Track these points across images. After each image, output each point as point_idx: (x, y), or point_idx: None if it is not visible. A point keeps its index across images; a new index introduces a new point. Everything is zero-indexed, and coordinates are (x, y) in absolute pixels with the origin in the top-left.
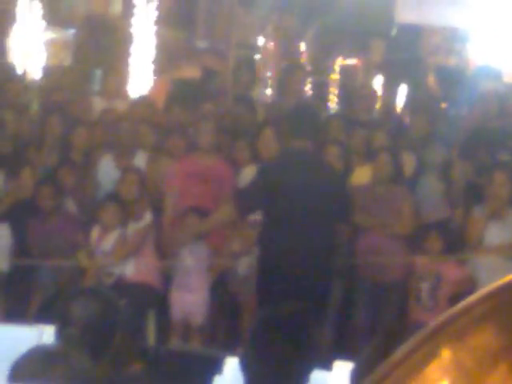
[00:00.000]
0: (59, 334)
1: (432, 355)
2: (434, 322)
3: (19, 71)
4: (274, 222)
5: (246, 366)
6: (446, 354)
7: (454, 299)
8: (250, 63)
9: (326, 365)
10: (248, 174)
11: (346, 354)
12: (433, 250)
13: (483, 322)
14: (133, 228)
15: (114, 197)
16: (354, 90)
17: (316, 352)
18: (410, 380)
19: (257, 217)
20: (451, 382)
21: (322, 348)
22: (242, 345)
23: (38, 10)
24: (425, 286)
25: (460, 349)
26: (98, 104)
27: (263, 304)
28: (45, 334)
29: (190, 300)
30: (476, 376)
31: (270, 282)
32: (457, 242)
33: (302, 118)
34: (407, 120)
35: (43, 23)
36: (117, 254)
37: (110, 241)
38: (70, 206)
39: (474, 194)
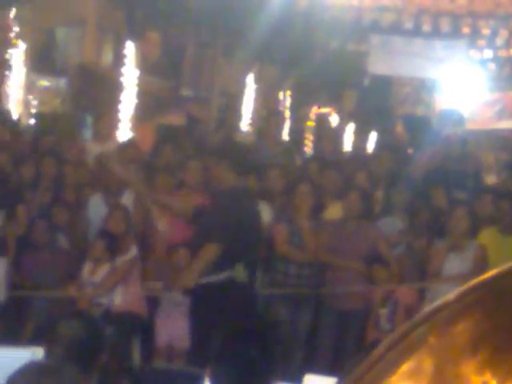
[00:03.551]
0: (47, 353)
1: (421, 341)
2: (424, 310)
3: (14, 117)
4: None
5: (215, 379)
6: (433, 339)
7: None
8: (235, 110)
9: (297, 378)
10: None
11: (314, 369)
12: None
13: (470, 310)
14: (120, 261)
15: (103, 233)
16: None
17: (276, 360)
18: (401, 361)
19: None
20: (437, 363)
21: (293, 364)
22: (211, 360)
23: (32, 59)
24: (383, 312)
25: (446, 335)
26: (90, 147)
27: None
28: (37, 355)
29: (175, 326)
30: (460, 358)
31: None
32: (418, 271)
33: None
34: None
35: (37, 72)
36: (106, 285)
37: (100, 274)
38: (62, 241)
39: (436, 228)
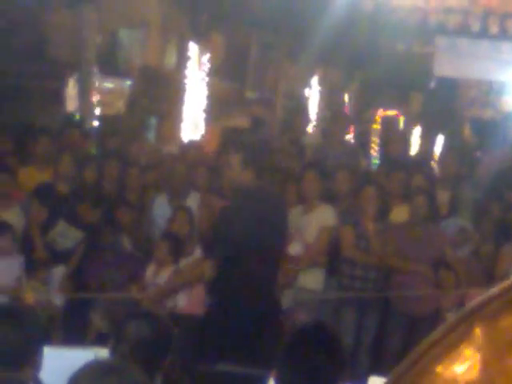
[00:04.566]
0: (113, 351)
1: (466, 334)
2: (469, 304)
3: (78, 119)
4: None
5: (281, 380)
6: (479, 333)
7: None
8: (304, 111)
9: (362, 380)
10: (293, 214)
11: (381, 373)
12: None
13: None
14: (184, 263)
15: (168, 235)
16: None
17: (345, 361)
18: (445, 356)
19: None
20: (483, 358)
21: (358, 368)
22: (277, 361)
23: (96, 61)
24: (450, 317)
25: (492, 329)
26: (153, 149)
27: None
28: (100, 356)
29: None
30: (506, 353)
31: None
32: (486, 274)
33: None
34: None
35: (101, 74)
36: (170, 287)
37: (163, 276)
38: (126, 243)
39: (504, 231)
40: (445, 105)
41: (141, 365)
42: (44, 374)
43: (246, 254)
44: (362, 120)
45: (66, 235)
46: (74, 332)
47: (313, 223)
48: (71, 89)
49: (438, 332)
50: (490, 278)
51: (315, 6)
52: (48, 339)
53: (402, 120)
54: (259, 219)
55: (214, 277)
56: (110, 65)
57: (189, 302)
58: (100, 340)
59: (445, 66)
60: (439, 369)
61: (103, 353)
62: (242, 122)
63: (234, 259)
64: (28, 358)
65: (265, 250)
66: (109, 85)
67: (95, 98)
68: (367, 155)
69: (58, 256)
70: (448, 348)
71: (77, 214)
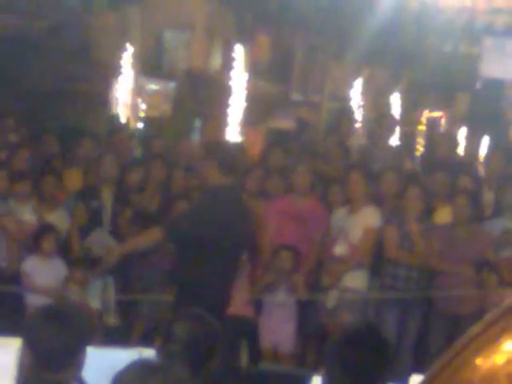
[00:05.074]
0: (162, 350)
1: (507, 328)
2: (510, 300)
3: (123, 122)
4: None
5: (329, 379)
6: None
7: None
8: (349, 114)
9: (403, 379)
10: (338, 215)
11: (422, 371)
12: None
13: None
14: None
15: None
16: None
17: (391, 361)
18: (485, 349)
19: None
20: None
21: (400, 367)
22: (325, 362)
23: (140, 63)
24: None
25: None
26: (197, 151)
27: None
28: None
29: (280, 330)
30: None
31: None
32: None
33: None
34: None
35: (146, 76)
36: None
37: None
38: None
39: None
40: (491, 105)
41: (188, 365)
42: (87, 374)
43: (207, 252)
44: (407, 121)
45: (102, 244)
46: (118, 332)
47: (358, 224)
48: (116, 91)
49: (479, 326)
50: None
51: (361, 7)
52: (91, 340)
53: (444, 120)
54: (223, 219)
55: (175, 268)
56: (155, 67)
57: (233, 303)
58: (144, 341)
59: (492, 67)
60: (479, 361)
61: (147, 353)
62: (286, 124)
63: (196, 256)
64: (72, 358)
65: (226, 250)
66: (154, 87)
67: (140, 100)
68: (412, 156)
69: (91, 263)
70: (488, 341)
71: (117, 223)
